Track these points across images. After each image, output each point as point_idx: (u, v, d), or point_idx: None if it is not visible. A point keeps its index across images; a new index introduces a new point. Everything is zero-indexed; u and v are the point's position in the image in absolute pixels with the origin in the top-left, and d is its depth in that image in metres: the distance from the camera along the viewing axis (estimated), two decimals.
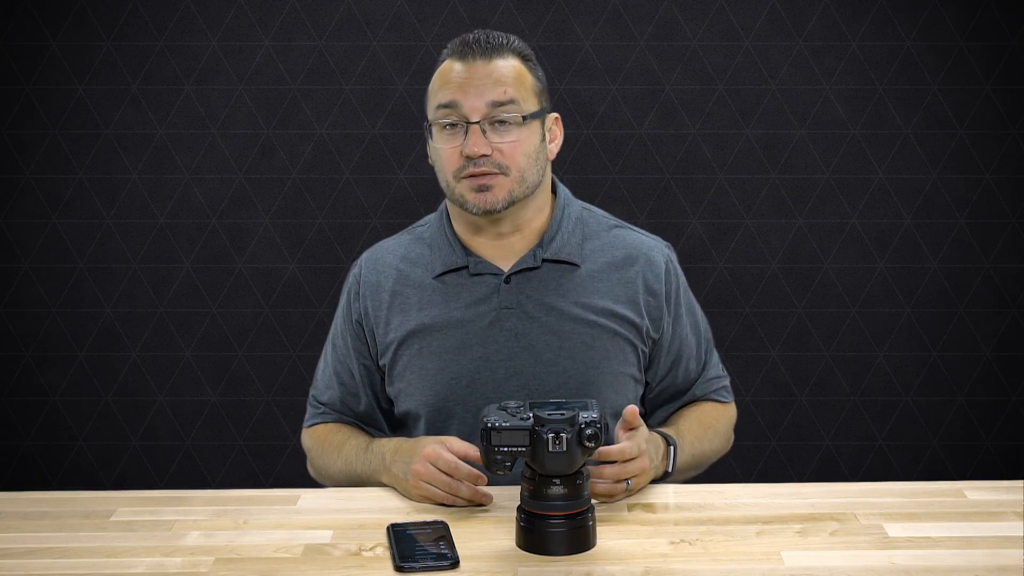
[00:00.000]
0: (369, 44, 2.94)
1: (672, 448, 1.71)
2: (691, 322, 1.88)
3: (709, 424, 1.86)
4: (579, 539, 1.45)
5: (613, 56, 2.94)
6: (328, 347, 1.92)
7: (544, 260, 1.80)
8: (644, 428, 1.64)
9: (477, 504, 1.60)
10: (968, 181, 2.96)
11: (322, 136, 2.97)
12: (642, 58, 2.94)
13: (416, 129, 2.88)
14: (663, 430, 1.75)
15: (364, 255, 1.91)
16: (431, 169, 1.83)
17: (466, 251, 1.81)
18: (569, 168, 2.88)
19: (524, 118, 1.74)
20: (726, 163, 2.97)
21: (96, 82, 2.94)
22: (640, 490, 1.65)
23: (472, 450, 1.60)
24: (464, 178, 1.74)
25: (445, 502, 1.60)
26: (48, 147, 2.96)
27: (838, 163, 2.97)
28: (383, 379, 1.87)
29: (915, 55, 2.93)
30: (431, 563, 1.40)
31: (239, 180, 2.98)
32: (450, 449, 1.61)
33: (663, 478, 1.71)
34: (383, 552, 1.46)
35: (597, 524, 1.47)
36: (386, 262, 1.87)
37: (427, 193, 2.89)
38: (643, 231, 1.89)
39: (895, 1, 2.92)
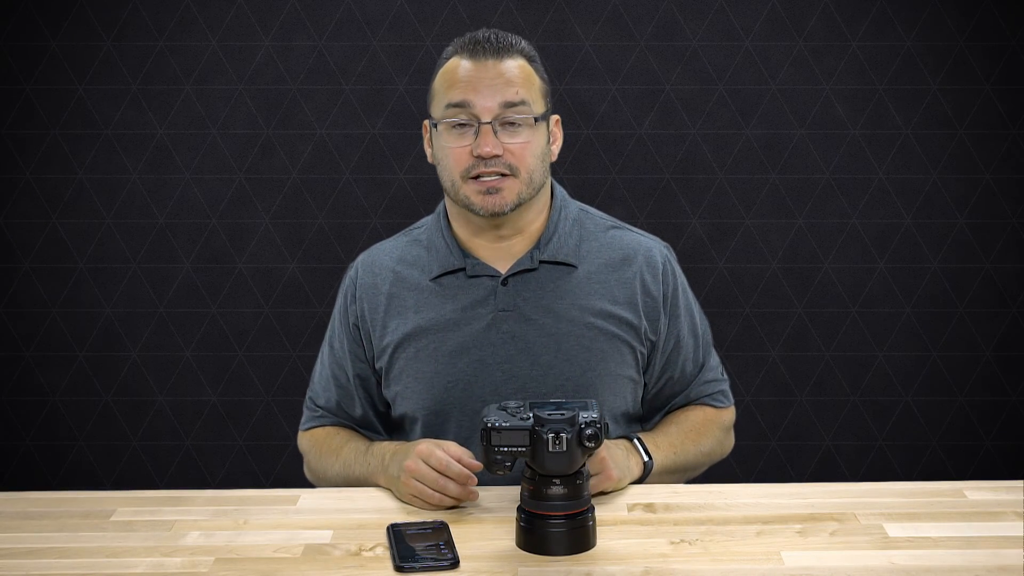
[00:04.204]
0: (369, 44, 2.94)
1: (635, 440, 1.73)
2: (689, 324, 1.87)
3: (691, 428, 1.84)
4: (579, 539, 1.45)
5: (613, 56, 2.94)
6: (325, 349, 1.91)
7: (541, 262, 1.79)
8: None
9: (464, 501, 1.59)
10: (968, 181, 2.96)
11: (322, 136, 2.97)
12: (642, 58, 2.94)
13: (416, 129, 2.89)
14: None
15: (360, 257, 1.89)
16: (431, 169, 1.82)
17: (464, 253, 1.80)
18: (569, 168, 2.88)
19: (535, 120, 1.73)
20: (726, 163, 2.97)
21: (96, 82, 2.94)
22: (625, 487, 1.66)
23: (467, 455, 1.59)
24: (472, 179, 1.72)
25: (431, 501, 1.58)
26: (48, 147, 2.96)
27: (838, 163, 2.97)
28: (379, 382, 1.86)
29: (915, 55, 2.93)
30: (431, 563, 1.40)
31: (239, 180, 2.98)
32: (445, 451, 1.60)
33: (647, 475, 1.72)
34: (383, 552, 1.46)
35: (597, 524, 1.47)
36: (382, 264, 1.85)
37: (427, 193, 2.89)
38: (641, 231, 1.88)
39: (895, 1, 2.92)
